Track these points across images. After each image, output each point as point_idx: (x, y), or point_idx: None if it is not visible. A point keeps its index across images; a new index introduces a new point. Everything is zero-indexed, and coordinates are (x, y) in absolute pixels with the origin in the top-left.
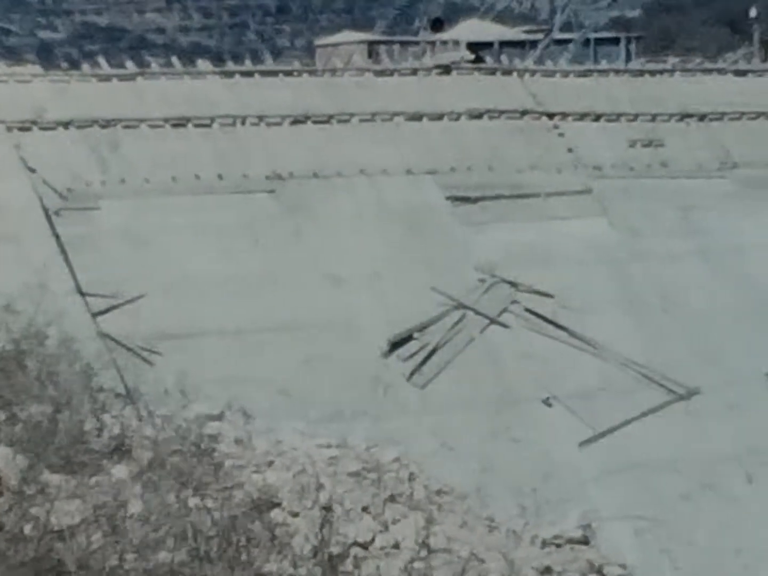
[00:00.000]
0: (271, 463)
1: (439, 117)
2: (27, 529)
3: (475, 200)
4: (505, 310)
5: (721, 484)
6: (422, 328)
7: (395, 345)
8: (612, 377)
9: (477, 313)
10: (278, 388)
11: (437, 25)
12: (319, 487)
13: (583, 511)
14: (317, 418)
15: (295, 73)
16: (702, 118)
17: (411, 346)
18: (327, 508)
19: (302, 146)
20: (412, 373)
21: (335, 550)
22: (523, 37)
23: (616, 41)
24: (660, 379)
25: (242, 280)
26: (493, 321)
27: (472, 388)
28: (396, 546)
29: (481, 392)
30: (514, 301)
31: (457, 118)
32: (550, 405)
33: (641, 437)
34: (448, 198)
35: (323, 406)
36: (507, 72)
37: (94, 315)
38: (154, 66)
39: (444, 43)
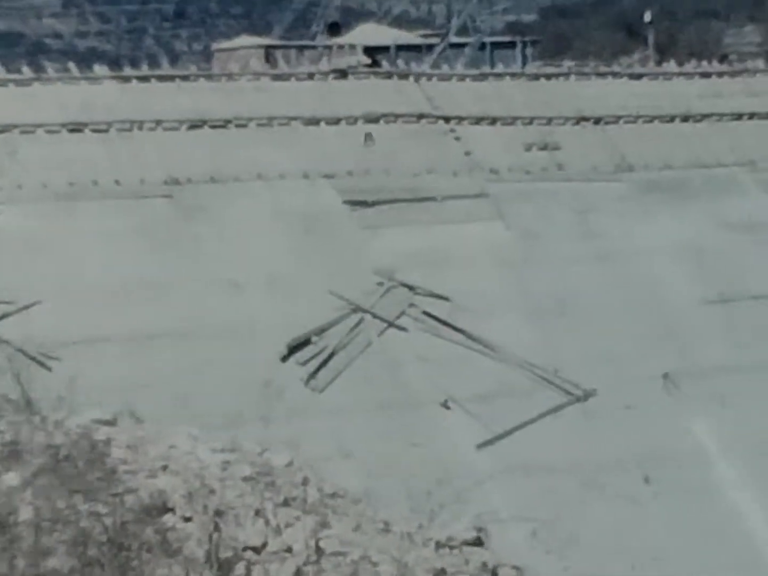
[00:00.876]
0: (163, 468)
1: (336, 121)
2: None
3: (372, 204)
4: (402, 313)
5: (617, 486)
6: (320, 331)
7: (293, 349)
8: (509, 379)
9: (375, 316)
10: (173, 393)
11: (334, 29)
12: (212, 491)
13: (478, 512)
14: (212, 423)
15: (192, 78)
16: (597, 121)
17: (309, 350)
18: (219, 513)
19: (200, 151)
20: (309, 377)
21: (227, 554)
22: (420, 41)
23: (512, 45)
24: (557, 381)
25: (139, 285)
26: (390, 324)
27: (370, 391)
28: (288, 550)
29: (378, 396)
30: (411, 305)
31: (354, 122)
32: (448, 408)
33: (538, 439)
34: (345, 202)
35: (218, 411)
36: (403, 76)
37: None
38: (51, 71)
39: (341, 47)
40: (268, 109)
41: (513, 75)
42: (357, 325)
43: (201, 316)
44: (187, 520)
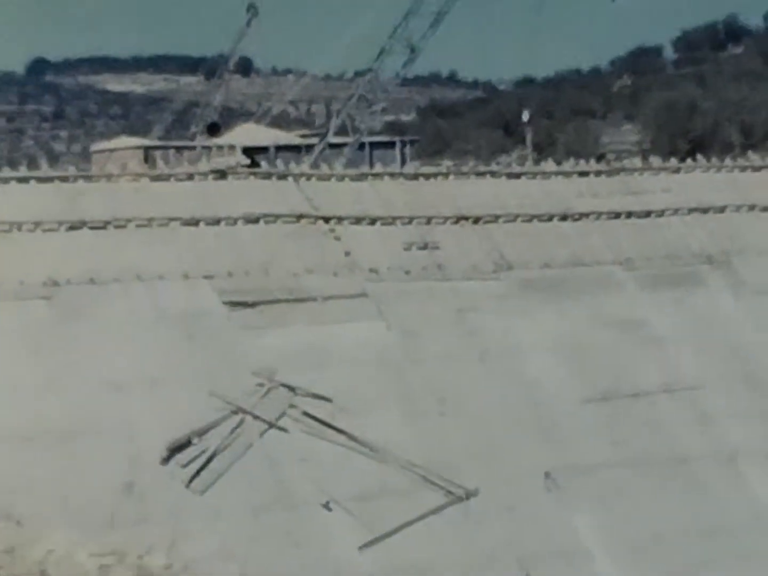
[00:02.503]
0: (41, 574)
1: (216, 222)
2: None
3: (253, 304)
4: (283, 414)
5: None
6: (201, 433)
7: (174, 450)
8: (391, 479)
9: (256, 417)
10: (52, 495)
11: (213, 129)
12: None
13: None
14: (91, 526)
15: (71, 179)
16: (477, 220)
17: (190, 452)
18: None
19: (79, 252)
20: (191, 479)
21: None
22: (299, 141)
23: (391, 145)
24: (439, 481)
25: (18, 386)
26: (271, 425)
27: (251, 492)
28: None
29: (259, 497)
30: (292, 405)
31: (234, 223)
32: (329, 509)
33: (420, 539)
34: (225, 302)
35: (98, 513)
36: (282, 176)
37: None
38: None
39: (220, 147)
40: (147, 209)
41: (392, 175)
42: (238, 426)
43: (81, 417)
44: None
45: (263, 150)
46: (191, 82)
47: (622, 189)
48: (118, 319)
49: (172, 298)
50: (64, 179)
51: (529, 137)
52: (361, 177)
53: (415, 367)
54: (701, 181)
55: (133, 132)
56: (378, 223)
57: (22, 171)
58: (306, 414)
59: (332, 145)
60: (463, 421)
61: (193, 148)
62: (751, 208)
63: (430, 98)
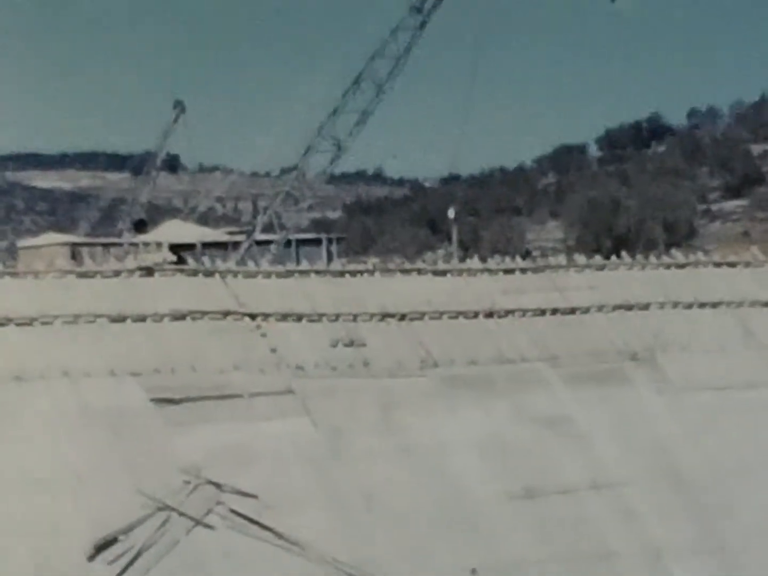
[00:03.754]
0: None
1: (142, 318)
2: None
3: (179, 401)
4: (210, 511)
5: None
6: (127, 530)
7: (100, 548)
8: None
9: (182, 514)
10: None
11: (140, 226)
12: None
13: None
14: None
15: None
16: (402, 317)
17: (116, 549)
18: None
19: (4, 349)
20: None
21: None
22: (226, 238)
23: (317, 242)
24: None
25: None
26: (198, 522)
27: None
28: None
29: None
30: (219, 502)
31: (160, 320)
32: None
33: None
34: (152, 399)
35: None
36: (209, 273)
37: None
38: None
39: (147, 244)
40: (73, 306)
41: (318, 272)
42: (164, 523)
43: (5, 515)
44: None
45: (190, 247)
46: (118, 178)
47: (548, 286)
48: (44, 417)
49: (98, 395)
50: None
51: (454, 234)
52: (288, 274)
53: (342, 465)
54: (625, 278)
55: (60, 228)
56: (304, 320)
57: None
58: (232, 511)
59: (259, 242)
60: (389, 518)
61: (120, 244)
62: (675, 305)
63: (357, 195)
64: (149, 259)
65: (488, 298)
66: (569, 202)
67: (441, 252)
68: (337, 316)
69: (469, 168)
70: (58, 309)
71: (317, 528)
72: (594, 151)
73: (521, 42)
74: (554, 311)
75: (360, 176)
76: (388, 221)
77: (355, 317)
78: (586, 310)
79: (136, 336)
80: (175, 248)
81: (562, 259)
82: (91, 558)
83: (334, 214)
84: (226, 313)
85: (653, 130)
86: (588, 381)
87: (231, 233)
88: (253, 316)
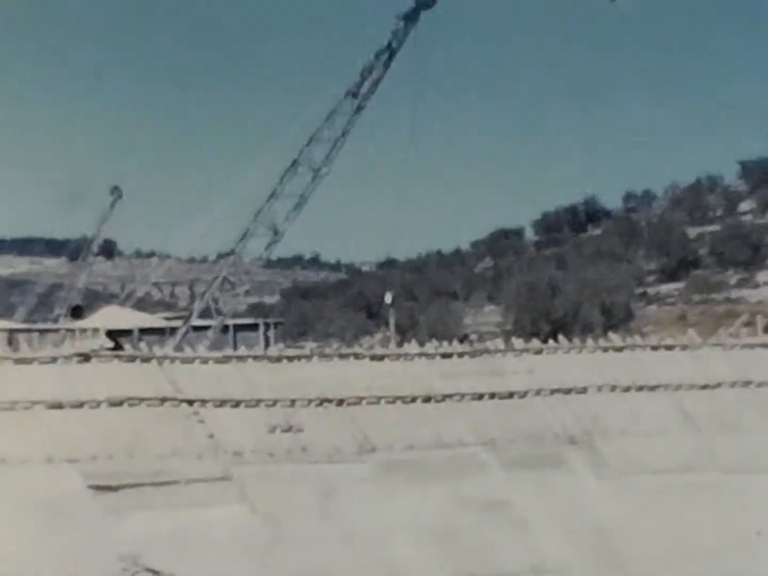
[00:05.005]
0: None
1: (80, 405)
2: None
3: (117, 488)
4: None
5: None
6: None
7: None
8: None
9: None
10: None
11: (77, 312)
12: None
13: None
14: None
15: None
16: (340, 402)
17: None
18: None
19: None
20: None
21: None
22: (163, 323)
23: (255, 327)
24: None
25: None
26: None
27: None
28: None
29: None
30: None
31: (98, 406)
32: None
33: None
34: (90, 486)
35: None
36: (146, 359)
37: None
38: None
39: (84, 330)
40: (10, 393)
41: (256, 357)
42: None
43: None
44: None
45: (127, 333)
46: (55, 264)
47: (485, 370)
48: None
49: (35, 483)
50: None
51: (392, 319)
52: (225, 359)
53: (279, 551)
54: (563, 361)
55: None
56: (242, 406)
57: None
58: None
59: (196, 328)
60: None
61: (57, 330)
62: (613, 388)
63: (294, 280)
64: (86, 345)
65: (426, 382)
66: (506, 286)
67: (378, 336)
68: (275, 402)
69: (406, 252)
70: None
71: None
72: (530, 234)
73: (458, 125)
74: (492, 395)
75: (297, 261)
76: (326, 306)
77: (292, 402)
78: (524, 394)
79: (73, 422)
80: (112, 334)
81: (499, 343)
82: None
83: (271, 299)
84: (163, 399)
85: (589, 214)
86: (526, 465)
87: (168, 318)
88: (190, 402)
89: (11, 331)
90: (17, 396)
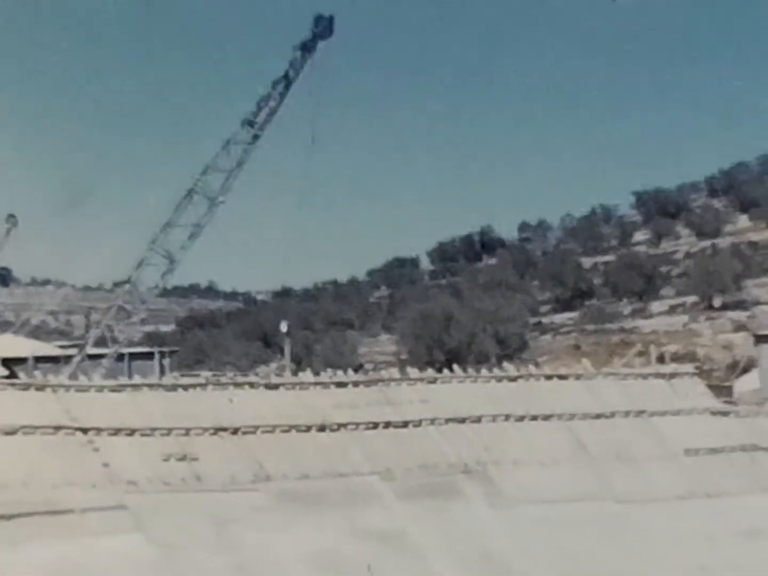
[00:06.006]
0: None
1: None
2: None
3: (10, 518)
4: None
5: None
6: None
7: None
8: None
9: None
10: None
11: None
12: None
13: None
14: None
15: None
16: (235, 431)
17: None
18: None
19: None
20: None
21: None
22: (58, 352)
23: (150, 356)
24: None
25: None
26: None
27: None
28: None
29: None
30: None
31: None
32: None
33: None
34: None
35: None
36: (41, 387)
37: None
38: None
39: None
40: None
41: (151, 385)
42: None
43: None
44: None
45: (21, 361)
46: None
47: (380, 399)
48: None
49: None
50: None
51: (287, 348)
52: (120, 388)
53: None
54: (458, 391)
55: None
56: (137, 434)
57: None
58: None
59: (91, 356)
60: None
61: None
62: (507, 417)
63: (190, 309)
64: None
65: (321, 411)
66: (401, 315)
67: (274, 365)
68: (170, 431)
69: (302, 281)
70: None
71: None
72: (426, 263)
73: (353, 155)
74: (387, 424)
75: (193, 289)
76: (221, 335)
77: (187, 431)
78: (419, 423)
79: None
80: (6, 362)
81: (394, 372)
82: None
83: (167, 328)
84: (58, 428)
85: (484, 243)
86: (421, 494)
87: (63, 347)
88: (85, 431)
89: None
90: None
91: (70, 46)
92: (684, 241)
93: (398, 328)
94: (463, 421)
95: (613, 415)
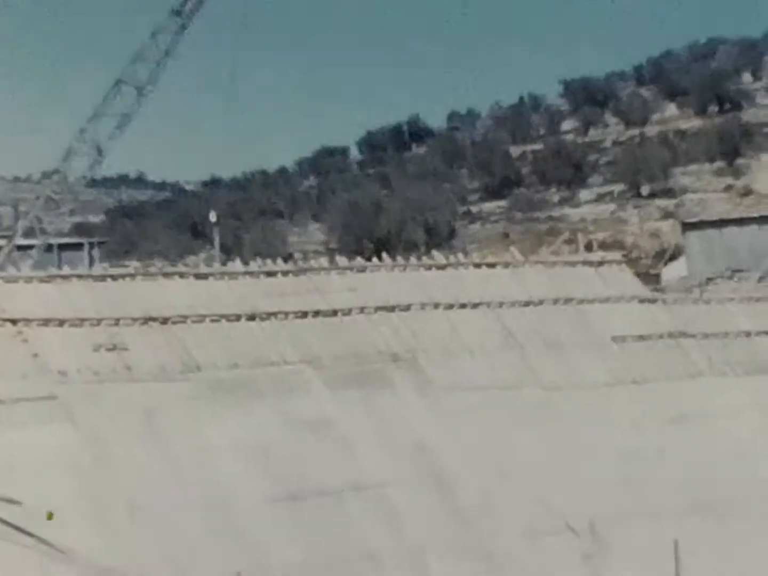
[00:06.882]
0: None
1: None
2: None
3: None
4: None
5: None
6: None
7: None
8: None
9: None
10: None
11: None
12: None
13: None
14: None
15: None
16: (165, 321)
17: None
18: None
19: None
20: None
21: None
22: None
23: (79, 246)
24: None
25: None
26: None
27: None
28: None
29: None
30: None
31: None
32: None
33: None
34: None
35: None
36: None
37: None
38: None
39: None
40: None
41: (80, 276)
42: None
43: None
44: None
45: None
46: None
47: (309, 288)
48: None
49: None
50: None
51: (216, 238)
52: (49, 279)
53: (104, 470)
54: (387, 280)
55: None
56: (66, 325)
57: None
58: None
59: (20, 247)
60: (153, 523)
61: None
62: (436, 306)
63: (119, 200)
64: None
65: (250, 301)
66: (330, 204)
67: (203, 256)
68: (99, 321)
69: (230, 171)
70: None
71: (81, 535)
72: (355, 153)
73: (281, 44)
74: (316, 313)
75: (122, 180)
76: (150, 225)
77: (117, 321)
78: (348, 312)
79: None
80: None
81: (323, 261)
82: None
83: (96, 219)
84: None
85: (413, 133)
86: (350, 383)
87: None
88: (14, 322)
89: None
90: None
91: None
92: (612, 130)
93: (327, 217)
94: (392, 309)
95: (541, 303)
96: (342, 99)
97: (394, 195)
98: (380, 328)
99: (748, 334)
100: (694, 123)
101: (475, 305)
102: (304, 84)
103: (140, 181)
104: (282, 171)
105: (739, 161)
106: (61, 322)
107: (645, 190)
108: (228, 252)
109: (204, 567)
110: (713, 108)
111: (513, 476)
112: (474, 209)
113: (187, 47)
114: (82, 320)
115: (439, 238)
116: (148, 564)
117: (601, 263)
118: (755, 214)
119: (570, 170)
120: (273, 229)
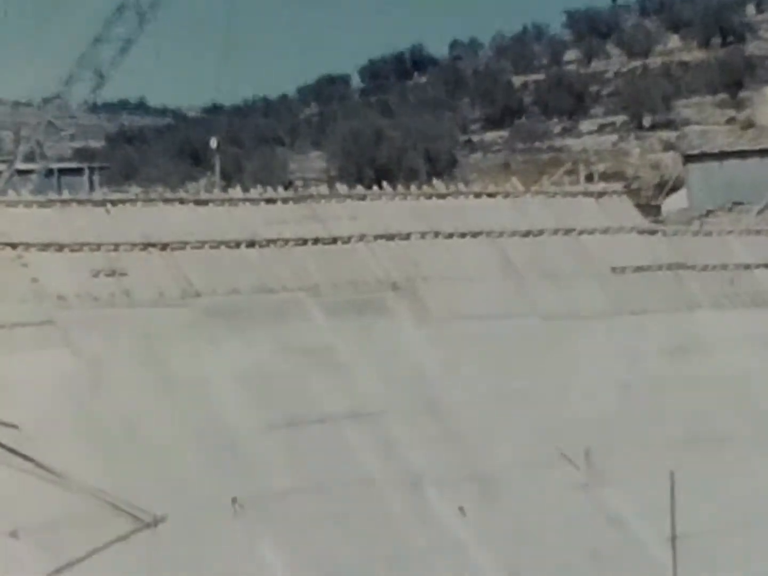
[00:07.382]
0: None
1: None
2: None
3: None
4: None
5: None
6: None
7: None
8: (79, 507)
9: None
10: None
11: None
12: None
13: None
14: None
15: None
16: (164, 247)
17: None
18: None
19: None
20: None
21: None
22: None
23: (79, 172)
24: (126, 508)
25: None
26: None
27: None
28: None
29: None
30: None
31: None
32: (17, 537)
33: (109, 567)
34: None
35: None
36: None
37: None
38: None
39: None
40: None
41: (80, 201)
42: None
43: None
44: None
45: None
46: None
47: (309, 216)
48: None
49: None
50: None
51: (217, 164)
52: (49, 204)
53: (102, 395)
54: (387, 208)
55: None
56: (66, 250)
57: None
58: None
59: (20, 172)
60: (150, 448)
61: None
62: (436, 235)
63: (119, 125)
64: None
65: (250, 228)
66: (331, 132)
67: (203, 182)
68: (99, 246)
69: (232, 98)
70: None
71: (78, 459)
72: (357, 82)
73: None
74: (316, 241)
75: (123, 105)
76: (151, 151)
77: (116, 247)
78: (347, 240)
79: None
80: None
81: (323, 189)
82: None
83: (96, 144)
84: None
85: (415, 61)
86: (349, 311)
87: None
88: (14, 246)
89: None
90: None
91: None
92: (615, 61)
93: (328, 145)
94: (392, 238)
95: (541, 233)
96: (345, 28)
97: (395, 123)
98: (379, 257)
99: (747, 266)
100: (697, 55)
101: (475, 235)
102: (308, 12)
103: (141, 107)
104: (283, 98)
105: (742, 94)
106: (61, 247)
107: (647, 121)
108: (228, 179)
109: (200, 492)
110: (716, 40)
111: (510, 405)
112: (475, 139)
113: None
114: (82, 245)
115: (440, 167)
116: (144, 488)
117: (601, 194)
118: (757, 147)
119: (572, 101)
120: (274, 157)
